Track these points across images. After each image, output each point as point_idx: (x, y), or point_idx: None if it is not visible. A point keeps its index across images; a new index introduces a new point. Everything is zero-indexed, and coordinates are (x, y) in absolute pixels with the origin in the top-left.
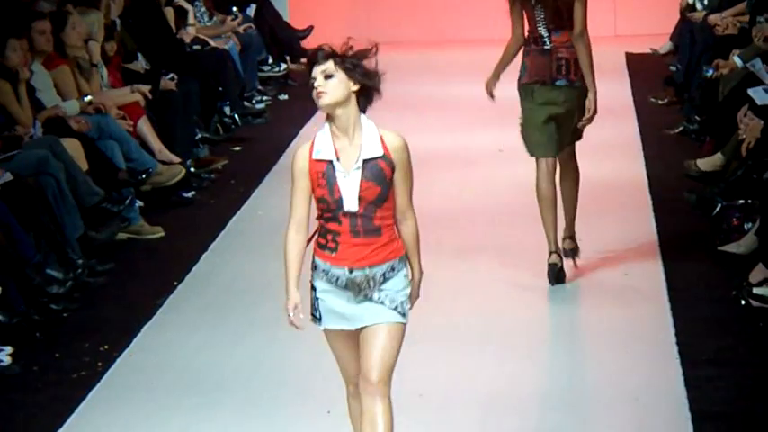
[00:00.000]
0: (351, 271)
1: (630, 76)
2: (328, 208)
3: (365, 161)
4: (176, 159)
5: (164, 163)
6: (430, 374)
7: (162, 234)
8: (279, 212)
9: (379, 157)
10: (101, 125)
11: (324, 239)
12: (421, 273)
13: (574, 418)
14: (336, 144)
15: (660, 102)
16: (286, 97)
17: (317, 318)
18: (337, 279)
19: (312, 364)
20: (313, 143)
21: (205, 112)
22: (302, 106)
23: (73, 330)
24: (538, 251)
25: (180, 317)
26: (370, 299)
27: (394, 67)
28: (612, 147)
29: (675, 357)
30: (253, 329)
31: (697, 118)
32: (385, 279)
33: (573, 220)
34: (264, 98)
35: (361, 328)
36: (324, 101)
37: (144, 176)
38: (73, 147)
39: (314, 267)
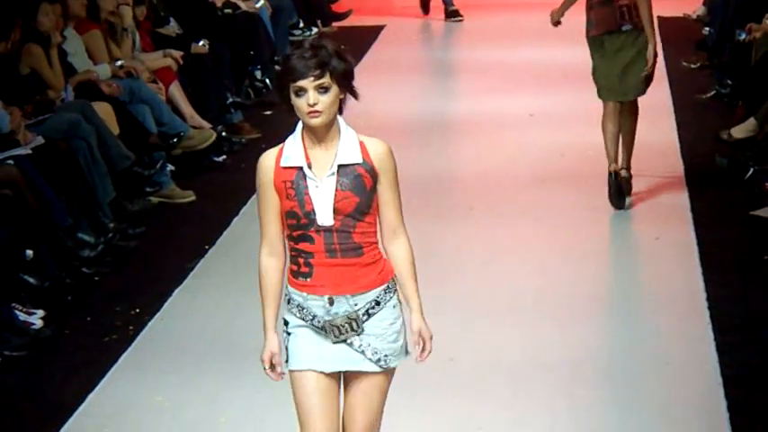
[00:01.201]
0: (331, 301)
1: (663, 40)
2: (298, 224)
3: (340, 167)
4: (207, 124)
5: (195, 127)
6: (461, 339)
7: (193, 198)
8: None
9: (357, 164)
10: (132, 89)
11: (296, 265)
12: (420, 304)
13: (604, 383)
14: (309, 150)
15: (692, 66)
16: None
17: (285, 360)
18: (314, 317)
19: None
20: (282, 149)
21: (236, 76)
22: None
23: (104, 294)
24: (568, 216)
25: (211, 281)
26: (350, 344)
27: (427, 32)
28: (644, 111)
29: (707, 322)
30: None
31: (729, 82)
32: (369, 316)
33: (630, 155)
34: None
35: (336, 373)
36: (320, 120)
37: (175, 140)
38: (104, 111)
39: (288, 301)
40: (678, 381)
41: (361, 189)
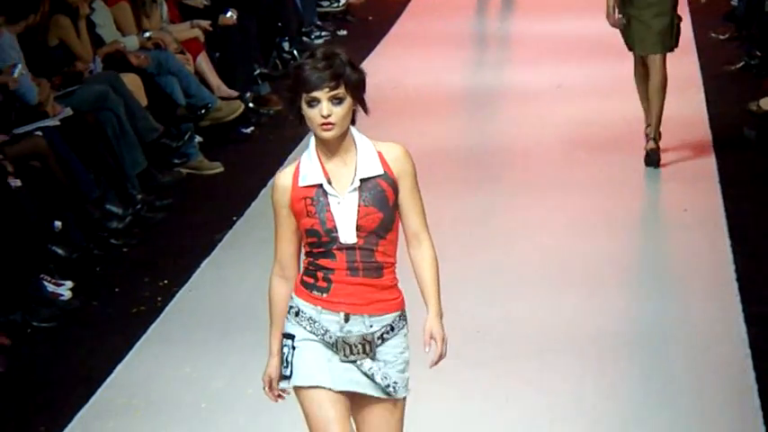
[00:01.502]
0: (347, 318)
1: (691, 11)
2: (319, 241)
3: (362, 181)
4: (235, 95)
5: (222, 99)
6: (488, 311)
7: (221, 170)
8: None
9: (378, 176)
10: (160, 61)
11: (312, 278)
12: (441, 313)
13: (632, 354)
14: (326, 165)
15: (721, 37)
16: (344, 33)
17: (285, 376)
18: (326, 332)
19: None
20: (298, 168)
21: (264, 47)
22: (361, 42)
23: (132, 266)
24: (596, 187)
25: (239, 253)
26: (359, 366)
27: (454, 4)
28: (673, 82)
29: (735, 294)
30: None
31: (758, 54)
32: (383, 340)
33: (659, 122)
34: (323, 33)
35: (346, 393)
36: (333, 133)
37: (203, 112)
38: (132, 82)
39: (296, 314)
40: (706, 353)
41: (384, 204)
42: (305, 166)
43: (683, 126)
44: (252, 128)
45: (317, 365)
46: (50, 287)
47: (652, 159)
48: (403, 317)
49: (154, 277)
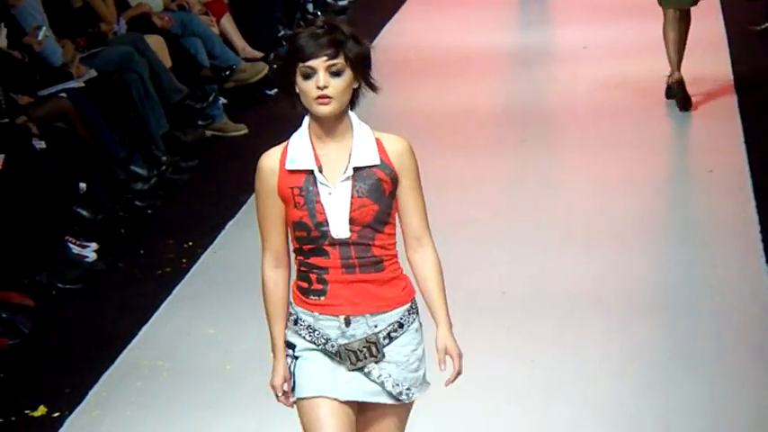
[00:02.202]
0: (347, 322)
1: None
2: (309, 236)
3: (356, 170)
4: (259, 56)
5: (247, 60)
6: (513, 272)
7: (245, 131)
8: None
9: (375, 166)
10: (184, 22)
11: (305, 282)
12: (449, 320)
13: (658, 314)
14: (318, 150)
15: None
16: None
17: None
18: (327, 341)
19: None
20: (286, 149)
21: (288, 8)
22: (385, 4)
23: (157, 227)
24: (621, 148)
25: None
26: (367, 373)
27: None
28: (697, 43)
29: (760, 254)
30: None
31: None
32: (390, 339)
33: (682, 59)
34: None
35: (352, 403)
36: (330, 108)
37: (227, 73)
38: (157, 44)
39: (295, 322)
40: (732, 312)
41: (380, 195)
42: (294, 148)
43: (708, 86)
44: (276, 89)
45: (321, 375)
46: (75, 249)
47: (675, 92)
48: (413, 310)
49: (179, 239)
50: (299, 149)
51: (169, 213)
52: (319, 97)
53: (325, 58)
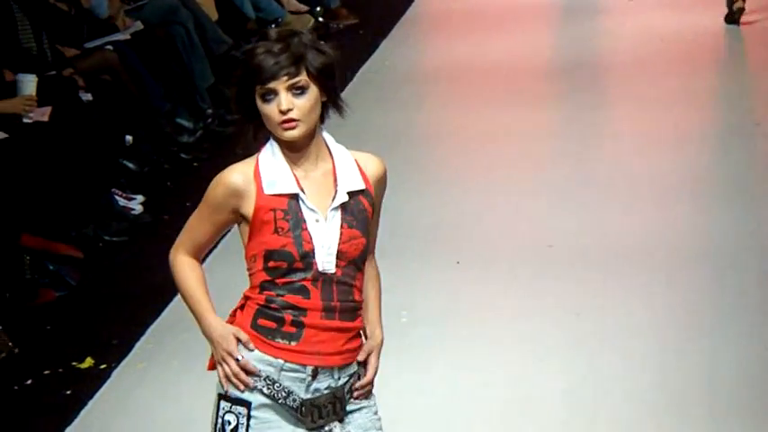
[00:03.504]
0: (315, 374)
1: None
2: (290, 267)
3: (348, 196)
4: (305, 9)
5: (292, 12)
6: (558, 226)
7: None
8: (407, 63)
9: (359, 192)
10: None
11: (274, 322)
12: (382, 339)
13: (703, 267)
14: (297, 173)
15: None
16: None
17: None
18: (288, 395)
19: (438, 217)
20: (257, 170)
21: None
22: None
23: (203, 179)
24: (668, 100)
25: None
26: None
27: None
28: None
29: None
30: None
31: None
32: (350, 394)
33: None
34: None
35: None
36: (298, 132)
37: (273, 26)
38: None
39: (246, 372)
40: None
41: (366, 227)
42: (269, 170)
43: (756, 40)
44: (322, 42)
45: None
46: (122, 201)
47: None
48: (362, 363)
49: None
50: (274, 172)
51: (214, 166)
52: (284, 122)
53: (285, 78)
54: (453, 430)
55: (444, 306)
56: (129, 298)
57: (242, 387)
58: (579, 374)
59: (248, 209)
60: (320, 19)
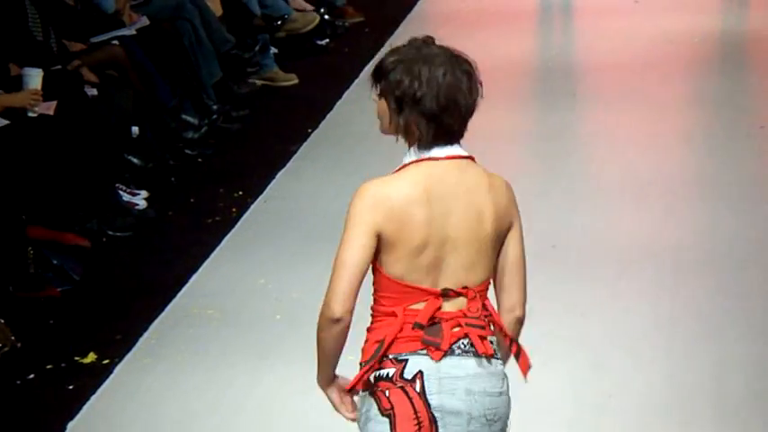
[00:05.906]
0: None
1: None
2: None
3: None
4: (311, 6)
5: (298, 10)
6: (563, 226)
7: (296, 81)
8: None
9: None
10: None
11: None
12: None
13: (709, 269)
14: None
15: None
16: None
17: None
18: None
19: None
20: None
21: None
22: None
23: (207, 176)
24: (673, 102)
25: (314, 164)
26: None
27: None
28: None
29: None
30: None
31: None
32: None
33: None
34: None
35: None
36: None
37: (279, 23)
38: None
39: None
40: None
41: None
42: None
43: (763, 42)
44: (327, 40)
45: None
46: (126, 196)
47: None
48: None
49: (229, 188)
50: None
51: (219, 162)
52: None
53: None
54: None
55: None
56: (133, 293)
57: None
58: (584, 375)
59: None
60: (326, 17)
